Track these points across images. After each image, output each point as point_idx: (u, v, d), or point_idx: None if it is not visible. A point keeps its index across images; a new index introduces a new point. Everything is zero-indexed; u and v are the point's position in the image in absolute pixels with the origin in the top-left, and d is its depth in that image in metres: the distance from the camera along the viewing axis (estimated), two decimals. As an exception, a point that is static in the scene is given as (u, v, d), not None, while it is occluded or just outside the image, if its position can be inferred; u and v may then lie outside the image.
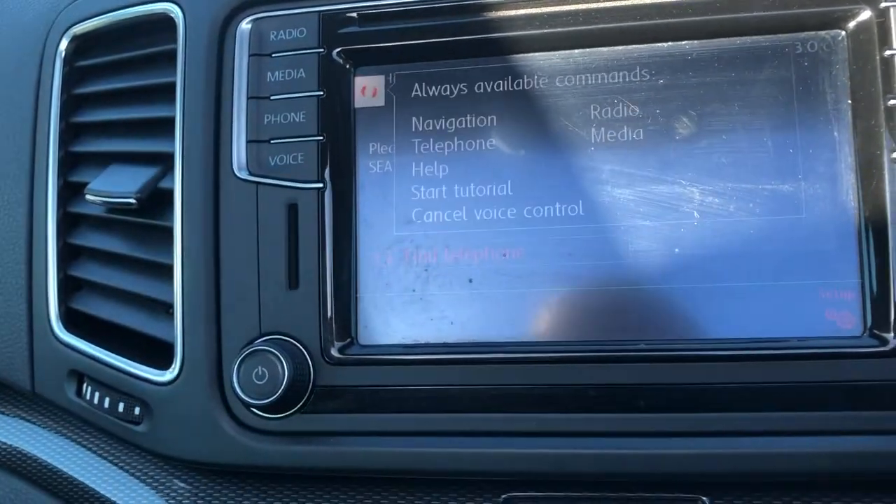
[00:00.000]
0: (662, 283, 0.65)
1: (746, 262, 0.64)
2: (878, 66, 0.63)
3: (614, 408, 0.64)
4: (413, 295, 0.68)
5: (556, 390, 0.65)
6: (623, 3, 0.67)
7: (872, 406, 0.61)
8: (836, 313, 0.62)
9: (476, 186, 0.68)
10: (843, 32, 0.65)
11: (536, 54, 0.69)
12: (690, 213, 0.65)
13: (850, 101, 0.64)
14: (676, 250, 0.65)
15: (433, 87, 0.70)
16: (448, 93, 0.70)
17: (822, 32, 0.65)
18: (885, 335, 0.61)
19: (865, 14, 0.63)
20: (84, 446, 0.82)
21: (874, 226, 0.62)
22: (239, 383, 0.66)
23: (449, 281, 0.68)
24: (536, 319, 0.66)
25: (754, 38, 0.66)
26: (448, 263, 0.68)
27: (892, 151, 0.61)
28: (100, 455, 0.81)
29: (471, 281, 0.68)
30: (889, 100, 0.62)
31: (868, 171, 0.63)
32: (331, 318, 0.68)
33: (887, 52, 0.62)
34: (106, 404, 0.75)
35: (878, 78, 0.62)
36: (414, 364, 0.67)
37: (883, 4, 0.63)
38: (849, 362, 0.61)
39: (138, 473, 0.78)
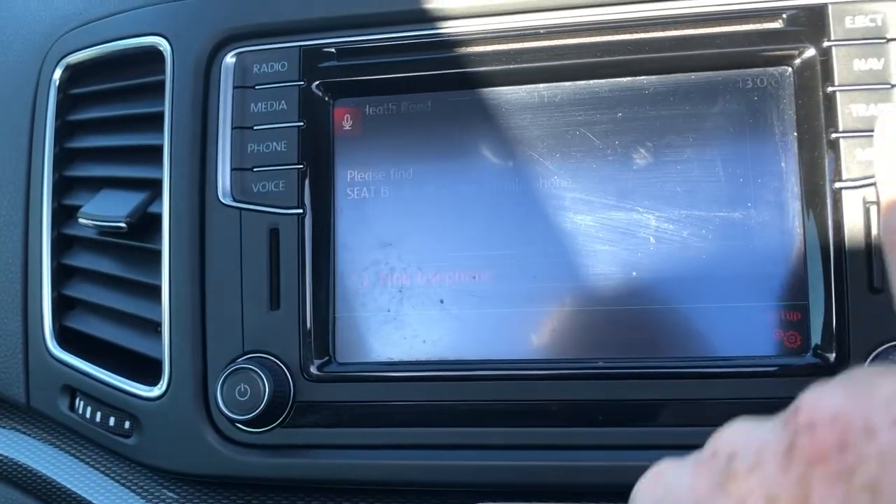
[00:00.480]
0: (621, 304, 0.69)
1: (699, 284, 0.68)
2: (821, 101, 0.67)
3: (576, 422, 0.68)
4: (388, 315, 0.72)
5: (522, 406, 0.69)
6: (585, 40, 0.71)
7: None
8: (784, 333, 0.67)
9: (447, 213, 0.72)
10: (790, 69, 0.69)
11: (504, 88, 0.73)
12: (647, 239, 0.69)
13: (795, 134, 0.68)
14: (634, 273, 0.69)
15: (407, 119, 0.74)
16: (422, 123, 0.74)
17: (771, 69, 0.69)
18: (827, 354, 0.65)
19: (810, 52, 0.67)
20: (77, 457, 0.85)
21: (818, 251, 0.66)
22: (223, 399, 0.70)
23: (421, 302, 0.72)
24: (503, 338, 0.70)
25: (708, 73, 0.70)
26: (421, 285, 0.72)
27: (834, 181, 0.65)
28: (92, 466, 0.84)
29: (442, 301, 0.72)
30: (831, 133, 0.66)
31: (812, 200, 0.67)
32: (310, 336, 0.72)
33: (829, 89, 0.66)
34: (97, 418, 0.78)
35: (821, 112, 0.66)
36: (389, 381, 0.71)
37: (826, 44, 0.67)
38: (795, 380, 0.65)
39: (129, 483, 0.81)
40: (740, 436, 0.37)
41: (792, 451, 0.32)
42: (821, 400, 0.34)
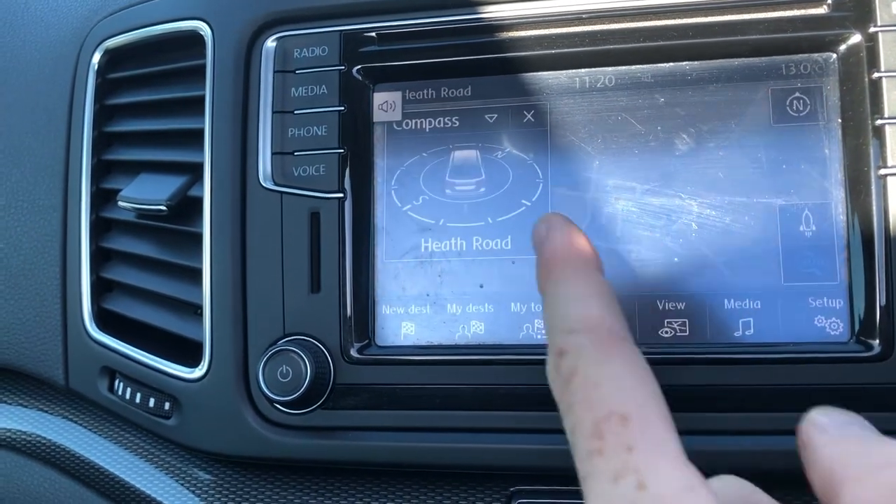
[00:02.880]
0: (662, 289, 0.69)
1: (740, 271, 0.68)
2: (866, 88, 0.66)
3: (616, 407, 0.68)
4: (427, 299, 0.73)
5: (560, 390, 0.69)
6: (627, 25, 0.71)
7: (858, 408, 0.64)
8: (826, 320, 0.66)
9: (487, 196, 0.72)
10: (835, 55, 0.68)
11: (544, 73, 0.73)
12: (689, 225, 0.69)
13: (840, 121, 0.68)
14: (676, 259, 0.69)
15: (448, 104, 0.74)
16: (462, 108, 0.74)
17: (815, 55, 0.69)
18: (870, 341, 0.65)
19: (855, 38, 0.67)
20: (114, 440, 0.87)
21: (861, 238, 0.66)
22: (265, 381, 0.70)
23: (461, 286, 0.72)
24: (541, 323, 0.70)
25: (751, 59, 0.70)
26: (460, 270, 0.72)
27: (879, 168, 0.65)
28: (128, 448, 0.85)
29: (482, 286, 0.72)
30: (876, 119, 0.65)
31: (856, 187, 0.66)
32: (350, 320, 0.72)
33: (875, 75, 0.66)
34: (137, 399, 0.79)
35: (866, 99, 0.66)
36: (427, 364, 0.71)
37: (872, 29, 0.66)
38: (836, 367, 0.65)
39: (163, 465, 0.82)
40: None
41: None
42: None
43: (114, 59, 0.87)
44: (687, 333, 0.68)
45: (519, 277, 0.71)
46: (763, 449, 0.65)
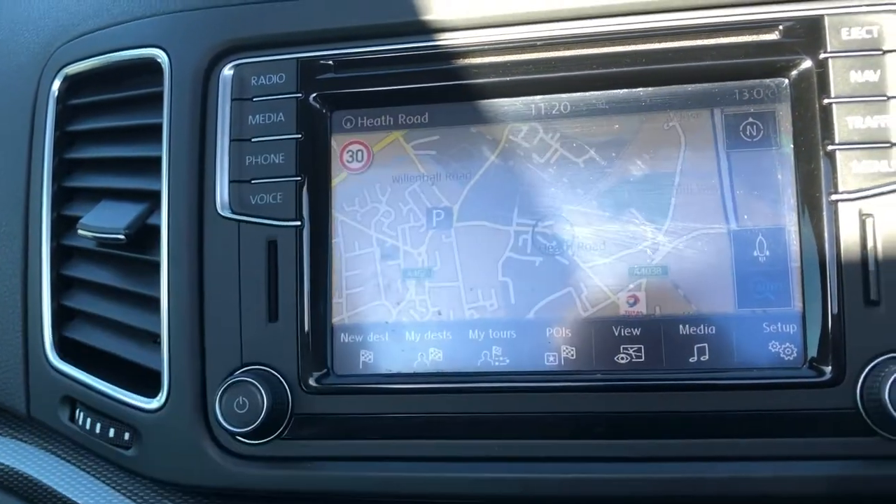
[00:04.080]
0: (618, 316, 0.69)
1: (695, 297, 0.68)
2: (817, 113, 0.66)
3: (574, 434, 0.68)
4: (386, 326, 0.72)
5: (520, 417, 0.69)
6: (581, 52, 0.71)
7: (810, 433, 0.65)
8: (779, 345, 0.67)
9: (445, 226, 0.72)
10: (787, 80, 0.69)
11: (501, 100, 0.73)
12: (644, 251, 0.69)
13: (792, 146, 0.68)
14: (630, 286, 0.69)
15: (405, 133, 0.74)
16: (423, 141, 0.74)
17: (767, 80, 0.69)
18: (822, 367, 0.65)
19: (806, 64, 0.67)
20: (78, 467, 0.86)
21: (814, 263, 0.66)
22: (221, 412, 0.70)
23: (420, 313, 0.72)
24: (501, 350, 0.70)
25: (704, 84, 0.70)
26: (418, 298, 0.72)
27: (830, 194, 0.65)
28: (93, 475, 0.85)
29: (440, 313, 0.72)
30: (827, 145, 0.66)
31: (809, 211, 0.67)
32: (308, 349, 0.72)
33: (825, 101, 0.66)
34: (97, 429, 0.78)
35: (817, 124, 0.66)
36: (387, 393, 0.71)
37: (822, 56, 0.67)
38: (789, 392, 0.65)
39: (129, 493, 0.82)
40: None
41: None
42: None
43: (74, 85, 0.86)
44: (643, 359, 0.68)
45: (477, 305, 0.71)
46: (719, 476, 0.65)
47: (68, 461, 0.86)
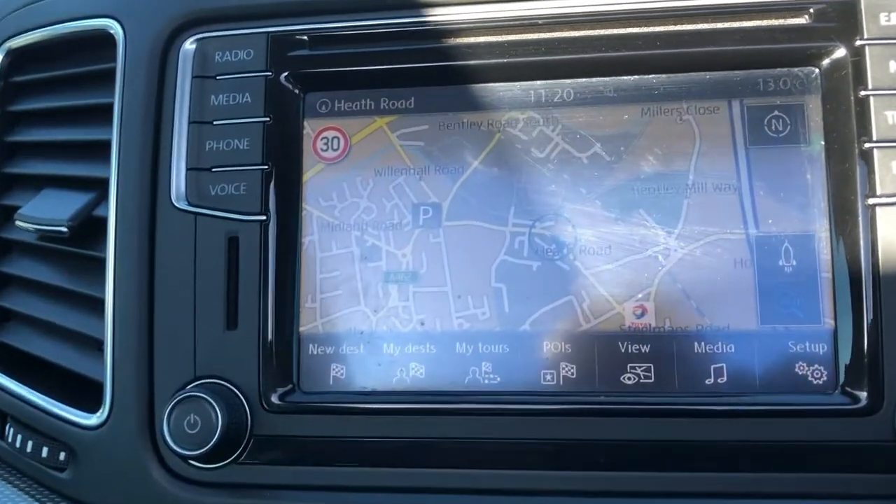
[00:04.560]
0: (625, 331, 0.61)
1: (712, 311, 0.61)
2: (852, 107, 0.60)
3: (573, 465, 0.61)
4: (361, 337, 0.65)
5: (511, 444, 0.62)
6: (588, 33, 0.64)
7: (843, 468, 0.57)
8: (807, 367, 0.59)
9: (429, 224, 0.65)
10: (817, 70, 0.62)
11: (496, 84, 0.66)
12: (654, 257, 0.62)
13: (823, 143, 0.61)
14: (639, 295, 0.62)
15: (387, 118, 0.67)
16: (409, 130, 0.67)
17: (795, 69, 0.63)
18: (857, 392, 0.58)
19: (840, 52, 0.61)
20: (13, 484, 0.77)
21: (848, 275, 0.59)
22: (170, 431, 0.62)
23: (399, 323, 0.64)
24: (492, 366, 0.62)
25: (725, 73, 0.63)
26: (401, 305, 0.65)
27: (867, 197, 0.59)
28: (29, 494, 0.76)
29: (423, 324, 0.64)
30: (863, 142, 0.59)
31: (842, 217, 0.60)
32: (271, 361, 0.64)
33: (862, 93, 0.60)
34: (28, 448, 0.70)
35: (852, 119, 0.60)
36: (360, 413, 0.64)
37: (858, 43, 0.60)
38: (819, 421, 0.58)
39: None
40: None
41: None
42: None
43: (17, 60, 0.79)
44: (652, 380, 0.61)
45: (465, 314, 0.63)
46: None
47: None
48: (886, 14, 0.60)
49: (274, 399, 0.64)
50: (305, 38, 0.67)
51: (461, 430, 0.62)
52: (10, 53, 0.78)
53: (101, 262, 0.68)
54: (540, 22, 0.65)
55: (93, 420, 0.67)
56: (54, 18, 0.75)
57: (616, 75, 0.64)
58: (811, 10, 0.62)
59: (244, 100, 0.67)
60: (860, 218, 0.59)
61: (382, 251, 0.65)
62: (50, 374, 0.73)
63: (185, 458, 0.64)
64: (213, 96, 0.68)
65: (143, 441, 0.66)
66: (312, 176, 0.67)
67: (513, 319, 0.63)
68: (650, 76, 0.64)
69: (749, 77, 0.63)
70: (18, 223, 0.73)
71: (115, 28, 0.71)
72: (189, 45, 0.69)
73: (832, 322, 0.59)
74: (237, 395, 0.63)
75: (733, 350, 0.60)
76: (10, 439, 0.72)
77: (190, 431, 0.61)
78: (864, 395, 0.57)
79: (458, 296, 0.64)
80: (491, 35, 0.65)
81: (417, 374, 0.64)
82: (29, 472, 0.72)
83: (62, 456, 0.69)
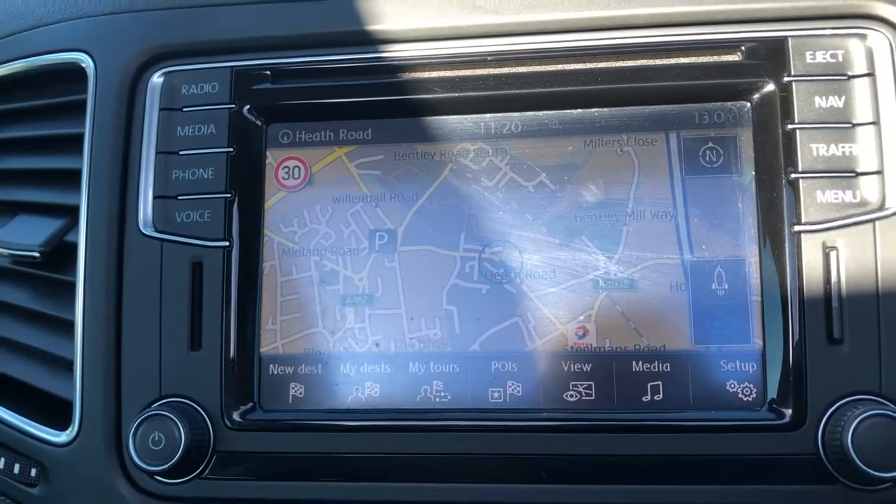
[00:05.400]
0: (567, 351, 0.64)
1: (648, 331, 0.64)
2: (780, 139, 0.63)
3: (518, 478, 0.63)
4: (319, 357, 0.67)
5: (459, 459, 0.64)
6: (534, 69, 0.67)
7: (769, 480, 0.60)
8: (738, 385, 0.63)
9: (385, 250, 0.68)
10: (749, 104, 0.65)
11: (449, 117, 0.69)
12: (596, 281, 0.65)
13: (754, 173, 0.64)
14: (581, 317, 0.65)
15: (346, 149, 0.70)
16: (366, 161, 0.70)
17: (729, 104, 0.66)
18: (783, 409, 0.61)
19: (769, 87, 0.64)
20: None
21: (776, 298, 0.62)
22: (135, 448, 0.64)
23: (355, 344, 0.67)
24: (443, 384, 0.65)
25: (663, 107, 0.66)
26: (357, 326, 0.67)
27: (793, 224, 0.62)
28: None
29: (378, 345, 0.67)
30: (790, 173, 0.62)
31: (770, 243, 0.63)
32: (233, 381, 0.67)
33: (789, 126, 0.63)
34: (1, 464, 0.72)
35: (780, 151, 0.63)
36: (317, 430, 0.66)
37: (786, 79, 0.63)
38: (748, 435, 0.61)
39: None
40: None
41: None
42: None
43: (-7, 90, 0.80)
44: (593, 398, 0.64)
45: (418, 335, 0.66)
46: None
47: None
48: (811, 52, 0.64)
49: (236, 417, 0.66)
50: (268, 72, 0.70)
51: (414, 446, 0.65)
52: None
53: (72, 286, 0.71)
54: (489, 59, 0.68)
55: (62, 437, 0.69)
56: (29, 51, 0.77)
57: (561, 109, 0.67)
58: (743, 48, 0.65)
59: (209, 131, 0.70)
60: (787, 244, 0.62)
61: (340, 275, 0.68)
62: (20, 393, 0.75)
63: (150, 474, 0.66)
64: (179, 127, 0.70)
65: (111, 457, 0.68)
66: (274, 203, 0.70)
67: (463, 340, 0.66)
68: (593, 110, 0.67)
69: (685, 111, 0.66)
70: None
71: (87, 61, 0.73)
72: (157, 79, 0.72)
73: (761, 342, 0.63)
74: (200, 413, 0.66)
75: (669, 369, 0.63)
76: (-19, 456, 0.74)
77: (154, 448, 0.64)
78: (789, 411, 0.61)
79: (412, 318, 0.67)
80: (443, 70, 0.68)
81: (372, 393, 0.66)
82: (1, 490, 0.74)
83: (33, 472, 0.71)
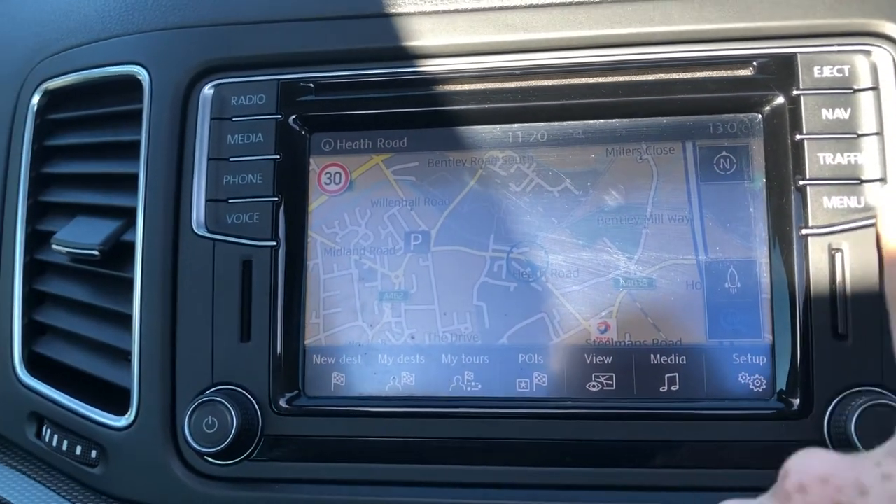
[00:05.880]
0: (589, 343, 0.69)
1: (665, 326, 0.68)
2: (789, 149, 0.68)
3: (543, 461, 0.68)
4: (359, 349, 0.72)
5: (491, 444, 0.69)
6: (559, 82, 0.72)
7: (778, 465, 0.65)
8: (749, 377, 0.67)
9: (420, 249, 0.73)
10: (760, 116, 0.70)
11: (479, 126, 0.74)
12: (617, 280, 0.70)
13: (764, 180, 0.69)
14: (603, 313, 0.69)
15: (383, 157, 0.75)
16: (402, 167, 0.75)
17: (741, 115, 0.70)
18: (791, 399, 0.65)
19: (779, 100, 0.69)
20: (43, 484, 0.84)
21: (785, 296, 0.67)
22: (190, 431, 0.69)
23: (392, 336, 0.72)
24: (473, 375, 0.70)
25: (679, 118, 0.71)
26: (394, 320, 0.72)
27: (801, 228, 0.66)
28: (59, 493, 0.83)
29: (413, 338, 0.72)
30: (798, 180, 0.67)
31: (780, 245, 0.68)
32: (280, 370, 0.72)
33: (797, 137, 0.67)
34: (64, 447, 0.77)
35: (789, 159, 0.67)
36: (358, 416, 0.71)
37: (795, 92, 0.68)
38: (758, 423, 0.66)
39: (93, 512, 0.81)
40: None
41: None
42: (808, 462, 0.33)
43: (54, 100, 0.86)
44: (614, 388, 0.69)
45: (451, 329, 0.71)
46: (686, 506, 0.65)
47: (33, 478, 0.85)
48: (819, 67, 0.68)
49: (282, 403, 0.71)
50: (311, 84, 0.75)
51: (446, 432, 0.69)
52: (48, 94, 0.84)
53: (129, 282, 0.76)
54: (517, 73, 0.72)
55: (121, 422, 0.74)
56: (88, 63, 0.82)
57: (584, 119, 0.72)
58: (755, 63, 0.70)
59: (257, 139, 0.75)
60: (795, 246, 0.66)
61: (378, 273, 0.73)
62: (81, 382, 0.80)
63: (202, 455, 0.71)
64: (229, 135, 0.75)
65: (166, 440, 0.73)
66: (317, 206, 0.75)
67: (492, 334, 0.71)
68: (614, 120, 0.72)
69: (700, 122, 0.71)
70: (55, 247, 0.79)
71: (143, 74, 0.78)
72: (208, 90, 0.77)
73: (770, 337, 0.67)
74: (250, 400, 0.71)
75: (684, 361, 0.68)
76: (46, 439, 0.79)
77: (208, 431, 0.69)
78: (796, 401, 0.65)
79: (444, 313, 0.72)
80: (475, 83, 0.73)
81: (408, 382, 0.71)
82: (64, 470, 0.79)
83: (94, 454, 0.76)
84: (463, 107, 0.73)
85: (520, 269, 0.71)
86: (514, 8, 0.72)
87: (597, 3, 0.71)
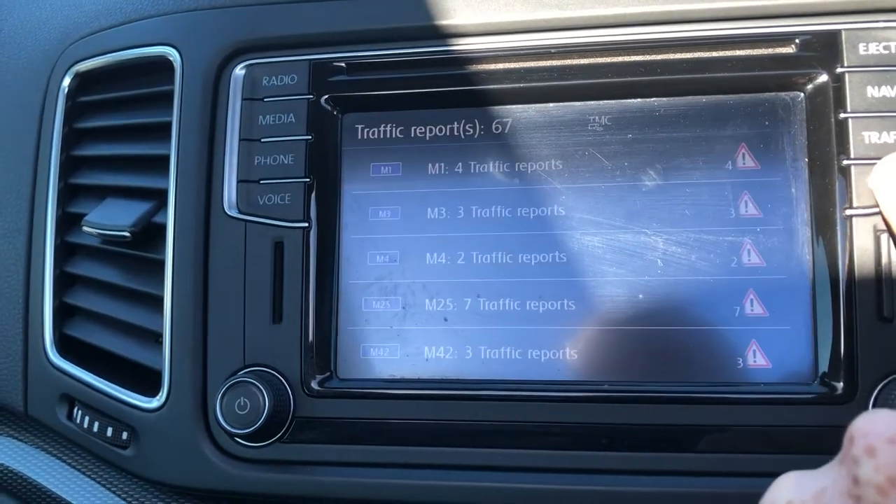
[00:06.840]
0: (626, 326, 0.68)
1: (705, 309, 0.67)
2: (833, 128, 0.66)
3: (579, 445, 0.67)
4: (391, 331, 0.72)
5: (524, 427, 0.68)
6: (595, 61, 0.71)
7: (820, 450, 0.63)
8: (791, 360, 0.66)
9: (454, 231, 0.72)
10: (802, 94, 0.68)
11: (513, 106, 0.73)
12: (654, 262, 0.68)
13: (807, 160, 0.67)
14: (640, 296, 0.68)
15: (415, 135, 0.74)
16: (429, 140, 0.74)
17: (783, 94, 0.69)
18: (834, 383, 0.64)
19: (822, 78, 0.67)
20: (74, 467, 0.85)
21: (827, 278, 0.65)
22: (222, 413, 0.69)
23: (425, 319, 0.71)
24: (506, 358, 0.69)
25: (719, 97, 0.70)
26: (425, 303, 0.71)
27: (844, 209, 0.65)
28: (89, 476, 0.84)
29: (446, 320, 0.71)
30: (842, 160, 0.65)
31: (822, 226, 0.66)
32: (312, 351, 0.71)
33: (841, 115, 0.65)
34: (95, 428, 0.77)
35: (832, 139, 0.66)
36: (390, 398, 0.70)
37: (839, 70, 0.66)
38: (800, 408, 0.64)
39: (125, 495, 0.81)
40: (791, 487, 0.35)
41: (857, 485, 0.31)
42: (875, 424, 0.32)
43: (84, 82, 0.86)
44: (652, 371, 0.67)
45: (484, 311, 0.70)
46: (725, 491, 0.64)
47: (64, 461, 0.85)
48: (865, 44, 0.67)
49: (314, 385, 0.71)
50: (343, 65, 0.74)
51: (479, 414, 0.68)
52: (78, 76, 0.84)
53: (160, 264, 0.76)
54: (553, 51, 0.71)
55: (153, 403, 0.74)
56: (119, 45, 0.82)
57: (621, 98, 0.71)
58: (797, 41, 0.68)
59: (289, 120, 0.74)
60: (838, 227, 0.65)
61: (411, 255, 0.73)
62: (112, 364, 0.80)
63: (234, 437, 0.71)
64: (260, 116, 0.75)
65: (197, 422, 0.73)
66: (349, 187, 0.74)
67: (528, 318, 0.70)
68: (652, 99, 0.71)
69: (741, 100, 0.69)
70: (85, 229, 0.79)
71: (174, 55, 0.78)
72: (239, 71, 0.76)
73: (813, 320, 0.66)
74: (282, 382, 0.71)
75: (726, 344, 0.67)
76: (78, 420, 0.79)
77: (240, 413, 0.69)
78: (840, 385, 0.64)
79: (478, 295, 0.71)
80: (508, 62, 0.72)
81: (441, 365, 0.70)
82: (95, 451, 0.79)
83: (125, 435, 0.76)
84: (497, 86, 0.72)
85: (556, 253, 0.70)
86: (550, -15, 0.71)
87: (634, -21, 0.70)
